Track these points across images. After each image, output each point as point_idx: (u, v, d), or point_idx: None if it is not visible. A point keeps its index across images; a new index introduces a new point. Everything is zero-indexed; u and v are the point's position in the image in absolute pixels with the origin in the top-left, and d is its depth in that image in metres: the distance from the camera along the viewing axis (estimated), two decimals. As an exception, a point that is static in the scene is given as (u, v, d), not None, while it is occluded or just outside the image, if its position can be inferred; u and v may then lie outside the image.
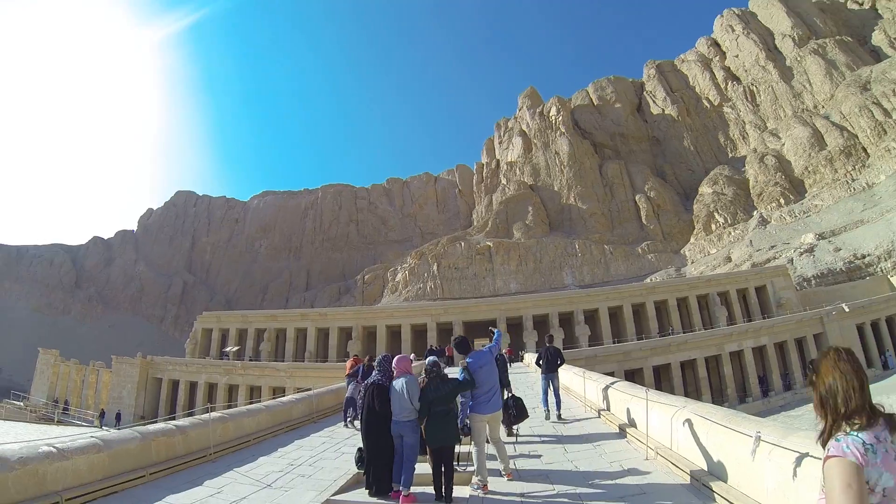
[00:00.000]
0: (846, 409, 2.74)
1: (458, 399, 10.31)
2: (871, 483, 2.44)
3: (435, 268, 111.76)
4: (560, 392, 16.04)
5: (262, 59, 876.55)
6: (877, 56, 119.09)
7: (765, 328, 54.82)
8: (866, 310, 57.83)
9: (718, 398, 50.90)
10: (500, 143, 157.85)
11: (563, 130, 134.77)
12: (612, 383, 15.04)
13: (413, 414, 8.56)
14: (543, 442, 12.45)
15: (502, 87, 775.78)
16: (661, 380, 51.68)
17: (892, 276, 71.63)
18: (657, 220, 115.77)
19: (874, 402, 2.96)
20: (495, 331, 11.45)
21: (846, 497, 2.35)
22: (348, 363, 19.41)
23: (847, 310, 56.13)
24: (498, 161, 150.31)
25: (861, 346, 55.06)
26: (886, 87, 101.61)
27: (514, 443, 12.25)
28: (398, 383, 8.85)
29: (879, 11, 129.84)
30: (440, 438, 8.40)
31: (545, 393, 15.80)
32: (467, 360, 9.58)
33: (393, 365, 9.31)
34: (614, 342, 58.03)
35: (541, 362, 16.07)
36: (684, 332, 58.78)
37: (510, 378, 14.48)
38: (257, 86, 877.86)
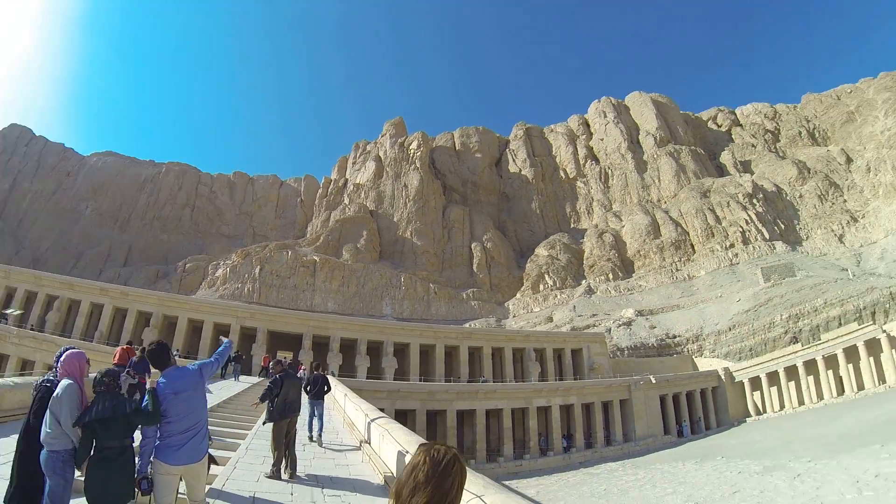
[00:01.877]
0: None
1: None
2: None
3: (257, 271, 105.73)
4: (324, 417, 16.47)
5: (149, 7, 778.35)
6: (721, 171, 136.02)
7: (575, 388, 55.42)
8: (670, 383, 61.11)
9: (520, 449, 50.62)
10: (353, 163, 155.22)
11: (418, 165, 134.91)
12: (376, 418, 14.13)
13: (62, 442, 5.54)
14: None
15: (373, 110, 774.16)
16: (464, 424, 49.86)
17: (695, 357, 79.00)
18: (488, 271, 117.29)
19: None
20: (224, 340, 8.17)
21: None
22: (117, 352, 13.98)
23: (653, 381, 58.90)
24: (346, 180, 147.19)
25: (661, 414, 59.00)
26: (722, 198, 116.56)
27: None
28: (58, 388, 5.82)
29: (732, 136, 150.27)
30: (100, 494, 5.50)
31: (311, 417, 15.93)
32: (159, 380, 6.19)
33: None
34: (421, 380, 56.16)
35: (308, 388, 15.81)
36: (495, 382, 57.91)
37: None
38: (134, 35, 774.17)
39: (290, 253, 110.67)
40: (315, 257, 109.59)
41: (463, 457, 2.48)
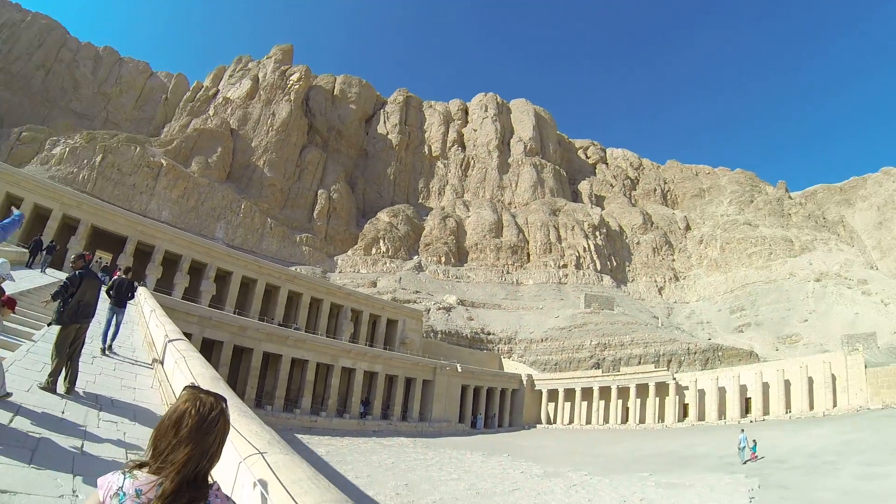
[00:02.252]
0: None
1: None
2: None
3: (98, 159, 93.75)
4: (122, 328, 14.85)
5: None
6: (575, 197, 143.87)
7: (383, 358, 53.95)
8: (475, 376, 61.75)
9: (318, 405, 49.23)
10: (230, 76, 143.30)
11: (292, 98, 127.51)
12: (175, 340, 12.28)
13: None
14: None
15: (266, 30, 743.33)
16: (268, 366, 47.35)
17: (504, 357, 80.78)
18: (327, 220, 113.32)
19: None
20: (15, 211, 7.93)
21: None
22: None
23: (459, 370, 59.03)
24: (218, 92, 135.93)
25: (460, 402, 59.63)
26: (569, 221, 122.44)
27: None
28: None
29: (596, 171, 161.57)
30: None
31: (107, 326, 13.81)
32: None
33: None
34: (235, 312, 51.95)
35: (111, 292, 14.25)
36: (307, 332, 55.12)
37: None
38: None
39: (138, 149, 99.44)
40: (163, 160, 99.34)
41: (227, 409, 2.34)
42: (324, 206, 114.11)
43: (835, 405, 55.02)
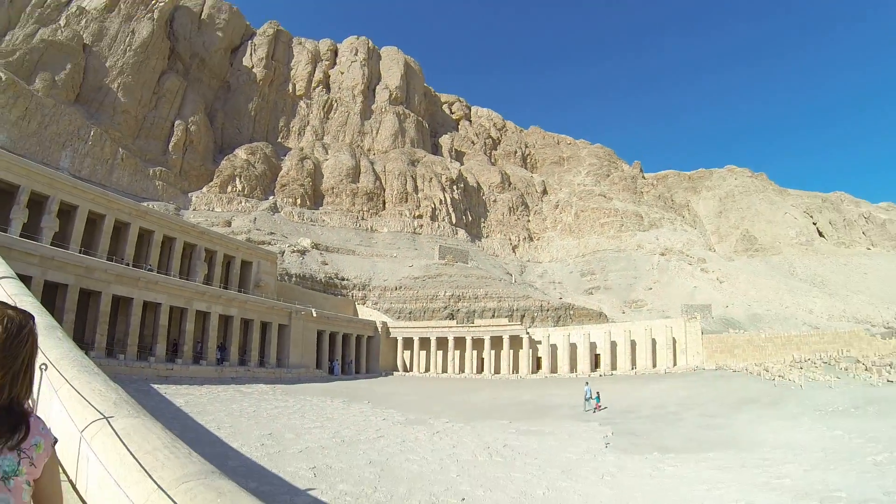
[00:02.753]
0: None
1: None
2: None
3: None
4: None
5: None
6: (435, 151, 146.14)
7: (238, 301, 52.20)
8: (330, 321, 61.97)
9: (173, 352, 46.53)
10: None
11: (155, 17, 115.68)
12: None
13: None
14: None
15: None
16: (119, 312, 43.88)
17: (359, 304, 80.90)
18: (182, 154, 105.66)
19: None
20: None
21: None
22: None
23: (314, 314, 58.82)
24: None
25: (317, 348, 59.49)
26: (428, 173, 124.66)
27: None
28: None
29: (459, 127, 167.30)
30: None
31: None
32: None
33: None
34: (81, 252, 46.11)
35: None
36: (159, 273, 51.32)
37: None
38: None
39: None
40: (1, 74, 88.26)
41: (35, 326, 2.17)
42: (180, 139, 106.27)
43: (675, 364, 62.22)
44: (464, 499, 14.75)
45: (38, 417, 2.18)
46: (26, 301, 7.97)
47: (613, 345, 65.15)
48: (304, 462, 17.79)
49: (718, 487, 15.84)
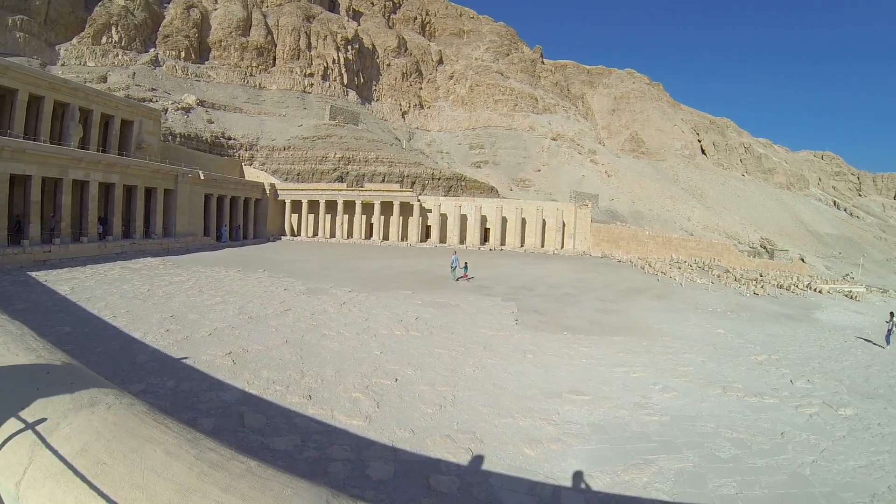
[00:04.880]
0: None
1: None
2: None
3: None
4: None
5: None
6: (332, 7, 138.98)
7: (120, 165, 47.68)
8: (218, 184, 59.92)
9: (49, 231, 42.09)
10: None
11: None
12: None
13: None
14: None
15: None
16: None
17: (245, 165, 78.48)
18: (47, 0, 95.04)
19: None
20: None
21: None
22: None
23: (202, 177, 56.55)
24: None
25: (204, 214, 57.49)
26: (322, 30, 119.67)
27: None
28: None
29: None
30: None
31: None
32: None
33: None
34: None
35: None
36: (26, 139, 44.94)
37: None
38: None
39: None
40: None
41: None
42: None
43: (562, 247, 66.42)
44: (397, 379, 14.97)
45: None
46: None
47: (504, 220, 67.53)
48: (217, 348, 17.28)
49: (635, 370, 16.96)
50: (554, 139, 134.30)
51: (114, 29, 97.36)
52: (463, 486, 9.00)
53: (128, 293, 26.57)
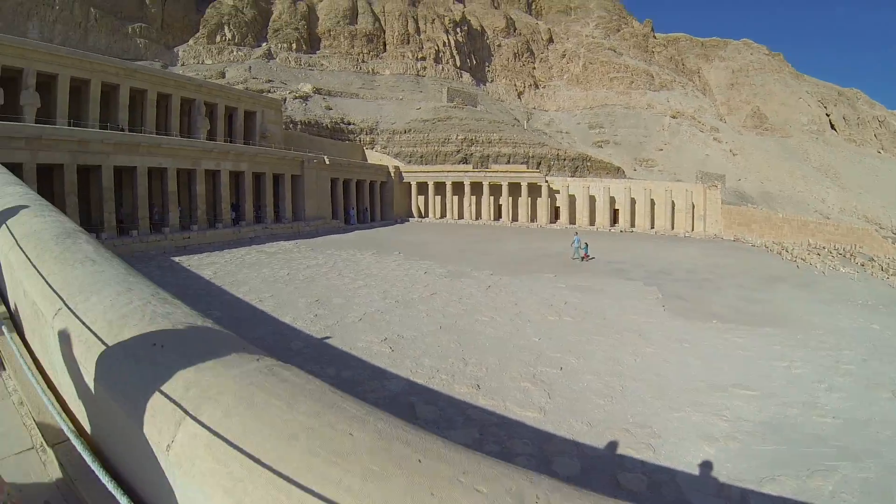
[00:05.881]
0: None
1: None
2: None
3: None
4: None
5: None
6: None
7: (248, 155, 48.93)
8: (343, 168, 59.06)
9: (187, 218, 44.02)
10: None
11: None
12: None
13: None
14: None
15: None
16: (123, 185, 41.01)
17: (367, 149, 77.67)
18: (162, 6, 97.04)
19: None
20: None
21: None
22: None
23: (327, 162, 55.85)
24: None
25: (332, 197, 56.80)
26: (429, 14, 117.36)
27: None
28: None
29: None
30: None
31: None
32: None
33: None
34: (70, 124, 42.62)
35: None
36: (159, 135, 47.95)
37: None
38: None
39: None
40: None
41: None
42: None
43: (692, 229, 61.10)
44: (561, 367, 14.33)
45: None
46: (8, 191, 5.99)
47: (633, 202, 63.42)
48: (371, 334, 16.83)
49: (796, 366, 15.43)
50: (673, 117, 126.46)
51: (226, 27, 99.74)
52: (651, 485, 8.76)
53: (268, 277, 26.89)
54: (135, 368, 2.22)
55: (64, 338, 2.71)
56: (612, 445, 10.08)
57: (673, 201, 62.10)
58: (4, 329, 3.71)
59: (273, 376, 2.04)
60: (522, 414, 11.27)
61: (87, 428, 2.69)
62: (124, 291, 2.92)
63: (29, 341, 3.72)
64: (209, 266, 29.77)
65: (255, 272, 28.07)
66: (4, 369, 3.76)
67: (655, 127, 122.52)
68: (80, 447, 1.92)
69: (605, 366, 14.62)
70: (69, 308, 2.81)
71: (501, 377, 13.38)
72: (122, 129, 45.20)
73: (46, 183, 33.68)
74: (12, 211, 4.85)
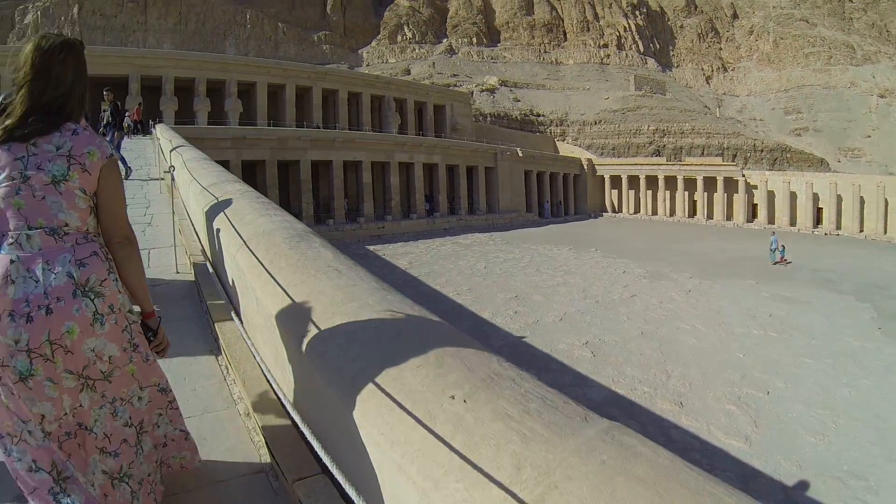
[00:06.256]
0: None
1: None
2: None
3: (75, 11, 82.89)
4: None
5: None
6: None
7: (440, 147, 49.89)
8: (536, 160, 58.33)
9: (381, 209, 46.02)
10: None
11: None
12: (180, 147, 11.79)
13: None
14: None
15: None
16: (319, 178, 43.75)
17: (557, 141, 76.70)
18: (342, 14, 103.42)
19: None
20: None
21: None
22: None
23: (520, 154, 55.25)
24: None
25: (525, 190, 56.33)
26: None
27: None
28: None
29: None
30: None
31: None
32: None
33: None
34: (269, 125, 47.31)
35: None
36: (351, 131, 50.67)
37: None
38: None
39: None
40: None
41: (79, 45, 2.25)
42: (335, 0, 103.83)
43: None
44: (768, 392, 13.45)
45: (95, 134, 2.24)
46: (230, 189, 5.76)
47: (839, 199, 55.57)
48: (572, 335, 16.60)
49: None
50: (881, 96, 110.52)
51: (405, 27, 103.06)
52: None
53: (464, 269, 27.19)
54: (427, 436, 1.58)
55: (309, 358, 2.33)
56: (823, 495, 9.23)
57: (886, 199, 53.34)
58: (240, 329, 3.39)
59: (622, 448, 1.38)
60: (727, 442, 10.83)
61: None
62: (386, 313, 2.33)
63: (259, 349, 3.27)
64: (404, 256, 30.70)
65: (451, 264, 28.57)
66: (228, 373, 3.85)
67: (861, 109, 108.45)
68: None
69: (816, 395, 13.53)
70: (317, 327, 2.35)
71: (705, 396, 12.90)
72: (318, 127, 48.63)
73: (249, 177, 36.54)
74: (237, 209, 4.73)
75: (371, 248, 33.27)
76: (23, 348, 1.87)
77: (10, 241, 1.99)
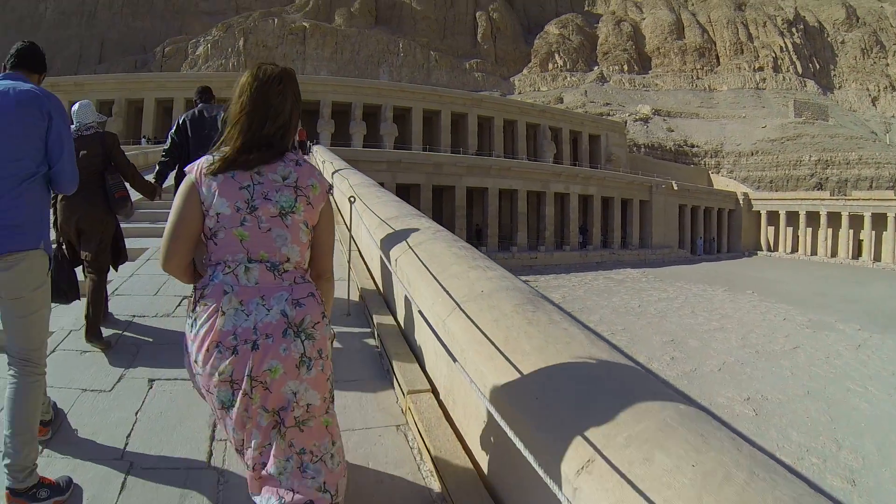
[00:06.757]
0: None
1: None
2: (205, 204, 2.10)
3: (241, 43, 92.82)
4: None
5: None
6: None
7: (596, 178, 49.74)
8: (691, 194, 57.77)
9: (534, 239, 46.33)
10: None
11: None
12: (341, 169, 11.63)
13: None
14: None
15: None
16: (473, 204, 44.66)
17: (712, 173, 75.55)
18: (493, 42, 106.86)
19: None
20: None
21: (174, 205, 2.15)
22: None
23: (675, 187, 55.00)
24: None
25: (679, 225, 55.92)
26: (759, 17, 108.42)
27: None
28: None
29: None
30: None
31: None
32: None
33: None
34: (424, 149, 49.00)
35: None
36: (507, 158, 51.23)
37: None
38: None
39: (276, 21, 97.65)
40: (305, 23, 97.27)
41: (292, 75, 2.28)
42: (486, 28, 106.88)
43: None
44: None
45: (314, 166, 2.33)
46: (415, 224, 5.22)
47: None
48: (732, 388, 15.91)
49: None
50: None
51: (556, 55, 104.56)
52: None
53: (619, 307, 26.87)
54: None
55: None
56: None
57: None
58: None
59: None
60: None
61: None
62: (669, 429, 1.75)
63: (448, 410, 3.22)
64: (557, 289, 30.39)
65: (604, 300, 28.11)
66: (407, 422, 3.46)
67: None
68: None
69: None
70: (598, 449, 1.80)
71: (881, 475, 11.46)
72: (473, 154, 50.15)
73: (403, 200, 38.75)
74: (434, 255, 4.05)
75: (524, 278, 31.20)
76: (226, 379, 1.93)
77: (227, 270, 2.03)
